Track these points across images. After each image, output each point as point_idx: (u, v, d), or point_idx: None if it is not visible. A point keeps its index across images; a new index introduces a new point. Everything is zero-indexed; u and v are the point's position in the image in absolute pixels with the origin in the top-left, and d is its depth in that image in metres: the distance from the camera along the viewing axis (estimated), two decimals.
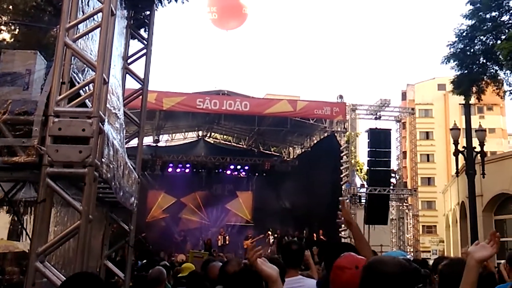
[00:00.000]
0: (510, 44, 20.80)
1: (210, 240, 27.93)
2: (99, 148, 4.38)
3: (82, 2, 4.82)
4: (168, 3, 8.38)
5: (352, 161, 33.09)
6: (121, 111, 6.53)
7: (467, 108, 20.67)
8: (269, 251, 26.87)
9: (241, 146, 39.04)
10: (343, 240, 29.32)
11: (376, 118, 30.74)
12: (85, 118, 4.32)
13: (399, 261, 2.77)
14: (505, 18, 24.20)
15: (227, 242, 28.84)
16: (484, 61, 24.98)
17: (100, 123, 4.35)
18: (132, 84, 8.49)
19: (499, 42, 22.46)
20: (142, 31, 8.37)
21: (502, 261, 6.59)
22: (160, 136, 34.62)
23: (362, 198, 30.63)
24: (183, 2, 8.48)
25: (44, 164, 4.16)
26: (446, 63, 25.42)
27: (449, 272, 3.84)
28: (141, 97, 8.19)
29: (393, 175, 31.98)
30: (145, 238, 25.78)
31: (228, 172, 34.21)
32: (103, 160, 4.56)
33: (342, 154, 30.49)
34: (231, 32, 31.02)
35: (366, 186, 31.21)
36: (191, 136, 38.15)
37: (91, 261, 5.34)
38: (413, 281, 2.70)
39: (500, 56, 21.98)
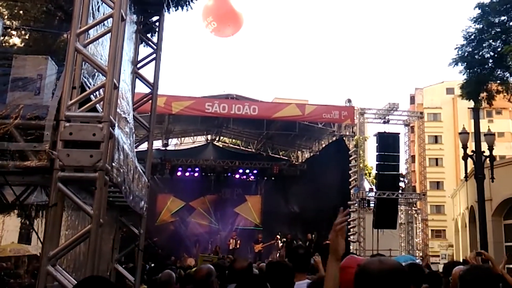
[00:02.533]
0: None
1: (219, 247, 27.95)
2: (109, 152, 4.41)
3: (92, 7, 4.87)
4: (175, 10, 8.44)
5: (361, 165, 33.01)
6: (130, 115, 6.57)
7: (476, 112, 20.56)
8: (277, 255, 26.85)
9: (249, 150, 39.01)
10: (351, 244, 29.33)
11: (384, 122, 30.67)
12: (95, 122, 4.36)
13: (391, 262, 2.76)
14: None
15: (238, 246, 28.81)
16: (493, 65, 24.93)
17: (110, 128, 4.38)
18: (142, 89, 8.55)
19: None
20: (151, 36, 8.43)
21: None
22: (169, 140, 34.63)
23: (370, 202, 30.52)
24: (187, 10, 8.56)
25: (55, 168, 4.20)
26: (454, 66, 25.43)
27: (472, 278, 3.83)
28: (150, 101, 8.23)
29: (401, 179, 31.94)
30: (155, 243, 25.82)
31: (237, 176, 34.16)
32: (113, 164, 4.60)
33: (350, 158, 30.45)
34: (238, 36, 31.04)
35: (374, 190, 31.17)
36: (200, 140, 38.17)
37: (101, 265, 5.38)
38: (406, 281, 2.68)
39: (508, 58, 21.94)
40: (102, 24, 4.89)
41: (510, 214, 23.70)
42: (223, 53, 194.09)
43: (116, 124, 4.76)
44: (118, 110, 5.02)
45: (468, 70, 25.35)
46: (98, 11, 5.02)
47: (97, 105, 4.59)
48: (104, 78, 4.52)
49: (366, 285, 2.63)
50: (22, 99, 4.40)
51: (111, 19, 4.66)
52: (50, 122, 4.28)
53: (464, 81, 26.04)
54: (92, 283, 3.36)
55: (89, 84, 4.83)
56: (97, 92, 4.70)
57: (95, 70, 4.93)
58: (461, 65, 25.41)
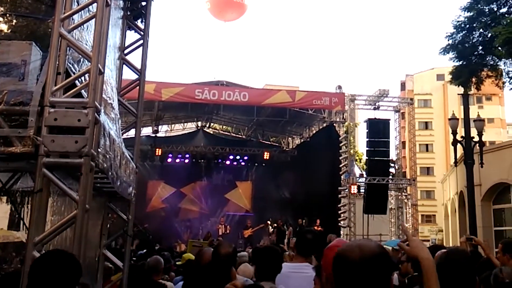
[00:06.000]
0: (507, 30, 20.85)
1: (210, 233, 28.00)
2: (95, 138, 4.39)
3: None
4: None
5: (351, 151, 33.12)
6: (115, 101, 6.54)
7: (465, 98, 20.67)
8: (268, 240, 26.95)
9: (240, 136, 39.05)
10: (342, 229, 29.49)
11: (375, 109, 30.77)
12: (80, 108, 4.33)
13: (371, 247, 2.54)
14: (503, 10, 24.24)
15: (228, 232, 28.91)
16: (483, 52, 25.06)
17: (96, 114, 4.37)
18: (129, 75, 8.52)
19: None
20: (138, 22, 8.37)
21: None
22: (159, 127, 34.61)
23: (361, 188, 30.67)
24: None
25: (40, 154, 4.18)
26: (444, 54, 25.54)
27: (447, 260, 3.85)
28: (138, 87, 8.20)
29: (392, 165, 32.09)
30: (146, 229, 25.83)
31: (228, 162, 34.27)
32: (99, 150, 4.58)
33: (341, 144, 30.51)
34: (230, 23, 31.09)
35: (365, 176, 31.27)
36: (190, 126, 38.14)
37: (89, 251, 5.39)
38: (388, 266, 2.53)
39: (496, 43, 22.05)
40: (87, 9, 4.86)
41: (499, 199, 23.89)
42: (213, 39, 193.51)
43: (102, 110, 4.75)
44: (103, 96, 5.01)
45: (458, 58, 25.51)
46: None
47: (83, 91, 4.57)
48: (89, 63, 4.50)
49: (346, 274, 2.48)
50: (6, 85, 4.36)
51: (95, 4, 4.63)
52: (34, 107, 4.25)
53: (454, 68, 26.19)
54: (52, 257, 3.38)
55: (74, 70, 4.79)
56: (82, 78, 4.67)
57: (80, 56, 4.90)
58: (452, 53, 25.55)
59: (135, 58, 8.25)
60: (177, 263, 9.88)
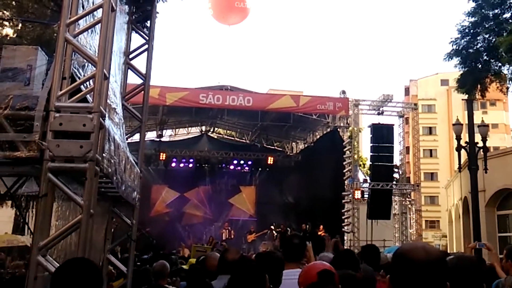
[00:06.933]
0: (510, 37, 20.86)
1: (213, 238, 27.95)
2: (100, 143, 4.40)
3: None
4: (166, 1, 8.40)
5: (355, 156, 33.03)
6: (119, 106, 6.55)
7: (469, 104, 20.58)
8: (272, 245, 26.90)
9: (244, 141, 39.02)
10: (346, 235, 29.42)
11: (379, 114, 30.75)
12: (86, 113, 4.34)
13: (436, 251, 2.63)
14: (507, 15, 24.21)
15: (232, 237, 28.90)
16: (487, 58, 25.03)
17: (101, 118, 4.37)
18: (134, 80, 8.53)
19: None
20: (143, 27, 8.39)
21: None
22: (164, 131, 34.60)
23: (365, 193, 30.61)
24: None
25: (45, 159, 4.18)
26: (448, 60, 25.51)
27: (454, 266, 3.85)
28: (143, 92, 8.22)
29: (396, 170, 32.05)
30: (149, 233, 25.82)
31: (232, 167, 34.24)
32: (104, 155, 4.58)
33: (345, 149, 30.51)
34: (235, 27, 31.19)
35: (369, 181, 31.24)
36: (195, 131, 38.13)
37: (93, 255, 5.39)
38: (446, 271, 2.56)
39: (501, 50, 22.04)
40: (92, 14, 4.86)
41: (503, 204, 23.83)
42: (218, 44, 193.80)
43: (107, 115, 4.75)
44: (108, 101, 5.01)
45: (463, 64, 25.48)
46: (88, 1, 4.99)
47: (88, 95, 4.57)
48: (94, 68, 4.50)
49: (410, 274, 2.48)
50: (12, 90, 4.37)
51: (101, 9, 4.64)
52: (40, 112, 4.26)
53: (460, 76, 26.16)
54: (76, 265, 3.36)
55: (79, 75, 4.80)
56: (87, 83, 4.68)
57: (86, 61, 4.91)
58: (456, 59, 25.53)
59: (140, 62, 8.27)
60: (183, 266, 9.86)
